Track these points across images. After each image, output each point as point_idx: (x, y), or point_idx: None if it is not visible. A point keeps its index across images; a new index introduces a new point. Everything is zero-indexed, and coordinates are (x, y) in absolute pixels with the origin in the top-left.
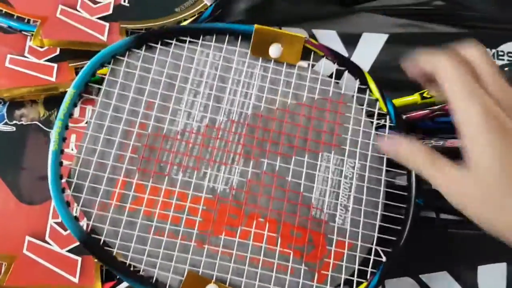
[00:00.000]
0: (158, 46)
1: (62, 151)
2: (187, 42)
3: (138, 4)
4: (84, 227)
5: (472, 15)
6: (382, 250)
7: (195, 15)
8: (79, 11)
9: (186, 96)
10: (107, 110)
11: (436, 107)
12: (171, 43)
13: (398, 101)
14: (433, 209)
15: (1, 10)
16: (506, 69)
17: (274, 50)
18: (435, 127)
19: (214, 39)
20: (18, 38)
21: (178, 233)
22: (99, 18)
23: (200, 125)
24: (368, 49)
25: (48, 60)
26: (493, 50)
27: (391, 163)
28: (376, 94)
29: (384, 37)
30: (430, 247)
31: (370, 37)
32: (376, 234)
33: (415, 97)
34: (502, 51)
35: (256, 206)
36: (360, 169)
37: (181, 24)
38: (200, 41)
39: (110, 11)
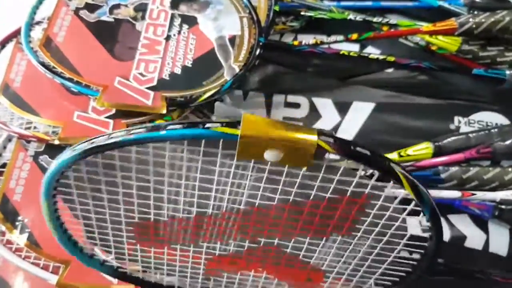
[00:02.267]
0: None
1: None
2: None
3: (175, 78)
4: None
5: (449, 88)
6: None
7: (218, 87)
8: (131, 82)
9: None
10: None
11: (408, 164)
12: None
13: None
14: None
15: (73, 79)
16: (473, 134)
17: (271, 155)
18: None
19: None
20: (84, 99)
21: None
22: (146, 88)
23: None
24: (358, 115)
25: (106, 117)
26: (465, 119)
27: None
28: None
29: (372, 105)
30: None
31: (359, 105)
32: None
33: (393, 155)
34: (473, 120)
35: None
36: None
37: (201, 98)
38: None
39: (155, 83)
